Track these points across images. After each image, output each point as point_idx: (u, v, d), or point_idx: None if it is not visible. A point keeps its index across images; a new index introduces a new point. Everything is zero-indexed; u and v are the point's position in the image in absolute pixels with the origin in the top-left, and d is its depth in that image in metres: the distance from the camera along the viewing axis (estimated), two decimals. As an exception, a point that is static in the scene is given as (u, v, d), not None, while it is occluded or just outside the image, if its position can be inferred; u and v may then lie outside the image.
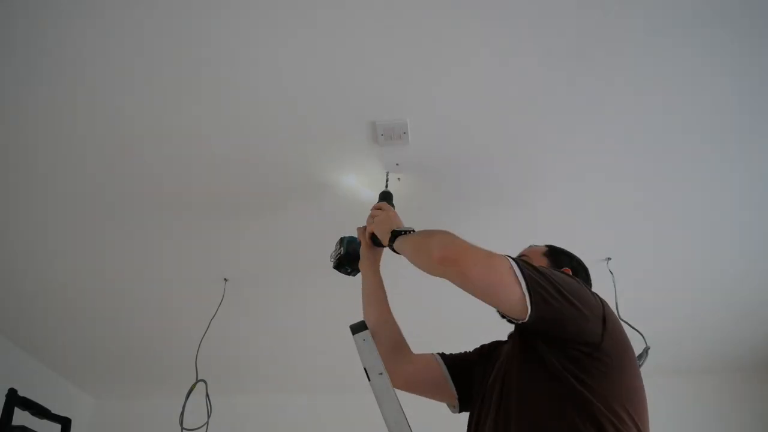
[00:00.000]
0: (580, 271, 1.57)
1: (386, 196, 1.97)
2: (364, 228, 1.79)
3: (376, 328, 1.60)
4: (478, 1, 1.57)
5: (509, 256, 1.26)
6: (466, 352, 1.63)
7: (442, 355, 1.61)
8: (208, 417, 2.50)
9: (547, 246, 1.63)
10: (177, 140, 2.01)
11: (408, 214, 2.34)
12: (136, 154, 2.07)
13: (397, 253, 1.56)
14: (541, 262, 1.52)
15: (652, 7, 1.58)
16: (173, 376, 3.49)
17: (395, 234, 1.56)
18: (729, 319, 3.01)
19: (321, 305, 2.93)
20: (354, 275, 1.88)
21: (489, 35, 1.66)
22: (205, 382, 2.52)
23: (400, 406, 1.40)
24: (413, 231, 1.55)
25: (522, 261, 1.26)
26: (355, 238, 1.88)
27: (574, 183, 2.19)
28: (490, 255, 1.24)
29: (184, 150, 2.05)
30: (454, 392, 1.54)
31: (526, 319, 1.19)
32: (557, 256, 1.58)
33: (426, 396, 1.60)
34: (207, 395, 2.50)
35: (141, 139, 2.01)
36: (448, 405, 1.59)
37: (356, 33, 1.66)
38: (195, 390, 2.47)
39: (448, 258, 1.24)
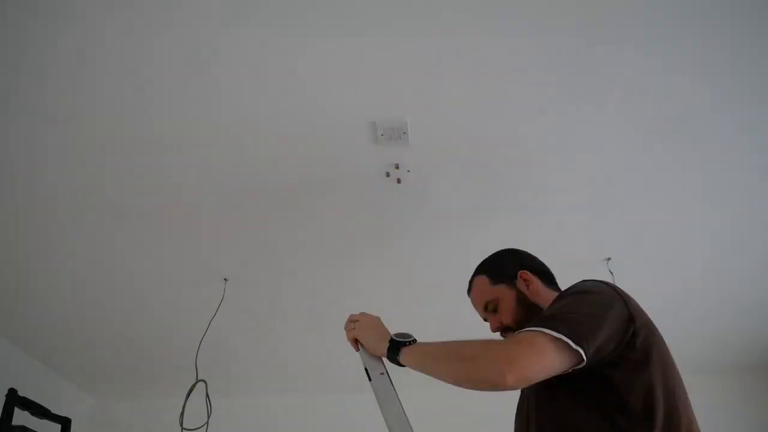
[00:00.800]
0: (523, 261, 1.52)
1: None
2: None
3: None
4: (478, 2, 1.57)
5: (537, 329, 1.16)
6: None
7: None
8: (208, 417, 2.50)
9: (482, 274, 1.52)
10: (177, 140, 2.01)
11: (408, 215, 2.35)
12: (137, 155, 2.07)
13: (400, 365, 1.38)
14: (499, 292, 1.46)
15: (651, 6, 1.58)
16: (173, 376, 3.49)
17: (398, 343, 1.36)
18: (729, 319, 3.01)
19: (321, 305, 2.93)
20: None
21: (489, 35, 1.66)
22: (205, 382, 2.52)
23: (402, 407, 1.40)
24: (414, 340, 1.37)
25: (549, 323, 1.17)
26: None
27: (574, 183, 2.19)
28: (526, 343, 1.15)
29: (184, 150, 2.05)
30: None
31: (585, 361, 1.14)
32: (501, 272, 1.50)
33: None
34: (207, 395, 2.50)
35: (141, 140, 2.01)
36: None
37: (356, 33, 1.66)
38: (195, 390, 2.47)
39: (503, 373, 1.12)
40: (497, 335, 1.49)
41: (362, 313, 1.54)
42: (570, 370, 1.16)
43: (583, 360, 1.12)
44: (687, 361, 3.39)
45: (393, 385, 1.45)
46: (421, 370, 1.31)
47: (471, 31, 1.65)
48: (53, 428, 2.91)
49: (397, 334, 1.39)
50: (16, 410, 2.56)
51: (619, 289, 1.33)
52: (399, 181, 2.16)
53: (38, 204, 2.29)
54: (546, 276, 1.51)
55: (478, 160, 2.09)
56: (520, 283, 1.46)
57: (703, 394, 3.44)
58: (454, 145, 2.03)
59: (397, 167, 2.10)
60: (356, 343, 1.48)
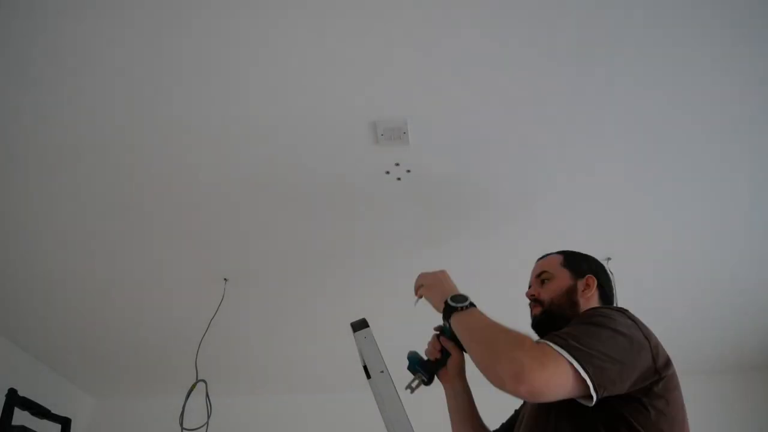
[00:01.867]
0: (601, 274, 1.56)
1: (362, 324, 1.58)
2: (436, 337, 1.56)
3: None
4: (478, 2, 1.57)
5: (560, 347, 1.15)
6: (510, 418, 1.62)
7: None
8: (208, 417, 2.51)
9: (562, 254, 1.58)
10: (177, 140, 2.02)
11: (408, 215, 2.35)
12: (136, 155, 2.07)
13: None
14: (563, 275, 1.51)
15: (652, 6, 1.59)
16: (173, 376, 3.49)
17: (452, 307, 1.37)
18: (729, 320, 3.01)
19: (321, 305, 2.93)
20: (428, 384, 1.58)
21: (489, 35, 1.67)
22: (205, 382, 2.52)
23: (402, 405, 1.40)
24: (471, 304, 1.36)
25: (573, 349, 1.15)
26: (416, 356, 1.58)
27: (574, 182, 2.19)
28: (552, 365, 1.13)
29: (183, 150, 2.06)
30: None
31: (593, 401, 1.15)
32: (578, 264, 1.55)
33: None
34: (207, 395, 2.50)
35: (141, 139, 2.01)
36: None
37: (356, 33, 1.66)
38: (195, 390, 2.48)
39: (521, 388, 1.13)
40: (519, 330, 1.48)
41: (427, 275, 1.53)
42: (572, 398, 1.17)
43: (591, 400, 1.14)
44: (687, 361, 3.40)
45: (393, 383, 1.45)
46: (461, 342, 1.35)
47: (472, 32, 1.65)
48: (53, 428, 2.92)
49: (454, 297, 1.39)
50: (16, 410, 2.57)
51: (646, 329, 1.30)
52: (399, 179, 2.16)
53: (38, 204, 2.29)
54: (606, 298, 1.54)
55: (478, 160, 2.09)
56: (581, 282, 1.50)
57: (703, 393, 3.46)
58: (453, 145, 2.03)
59: (397, 165, 2.10)
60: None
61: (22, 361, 3.30)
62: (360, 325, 1.56)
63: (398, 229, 2.42)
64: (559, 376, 1.13)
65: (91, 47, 1.70)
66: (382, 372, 1.44)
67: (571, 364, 1.13)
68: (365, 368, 1.47)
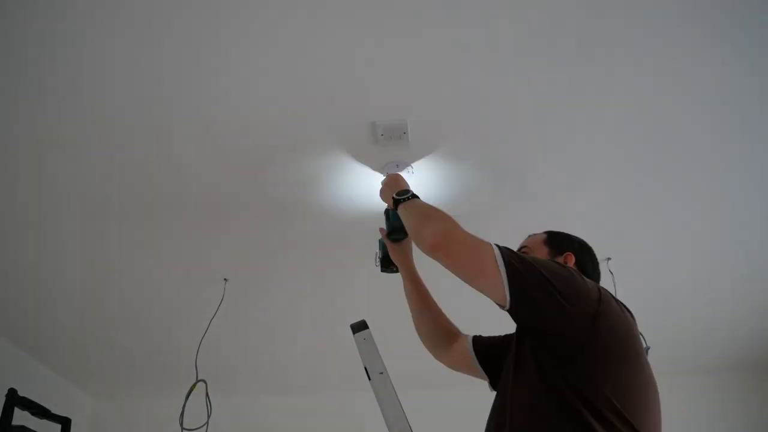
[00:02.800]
0: (583, 253, 1.55)
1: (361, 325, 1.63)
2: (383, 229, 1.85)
3: (416, 322, 1.78)
4: (478, 3, 1.57)
5: (496, 245, 1.29)
6: (499, 336, 1.64)
7: (477, 340, 1.66)
8: (208, 417, 2.51)
9: (546, 233, 1.62)
10: (176, 140, 2.01)
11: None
12: (136, 154, 2.07)
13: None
14: (542, 251, 1.53)
15: (653, 6, 1.58)
16: (173, 376, 3.49)
17: (397, 200, 1.59)
18: (729, 319, 3.01)
19: (321, 305, 2.93)
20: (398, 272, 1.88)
21: (488, 34, 1.66)
22: (205, 382, 2.52)
23: (401, 406, 1.40)
24: (416, 198, 1.58)
25: (507, 250, 1.28)
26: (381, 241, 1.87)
27: (574, 182, 2.19)
28: (476, 244, 1.30)
29: (183, 150, 2.05)
30: (485, 375, 1.60)
31: (507, 306, 1.23)
32: (558, 242, 1.56)
33: (469, 375, 1.67)
34: (207, 395, 2.50)
35: (140, 139, 2.01)
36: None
37: (356, 33, 1.66)
38: (195, 390, 2.48)
39: (438, 245, 1.31)
40: None
41: (389, 175, 1.80)
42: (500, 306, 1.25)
43: (505, 304, 1.22)
44: (687, 360, 3.40)
45: (392, 384, 1.45)
46: (405, 227, 1.54)
47: (471, 31, 1.65)
48: (53, 428, 2.91)
49: (399, 192, 1.60)
50: (16, 410, 2.56)
51: (608, 297, 1.32)
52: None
53: (38, 204, 2.28)
54: (586, 275, 1.49)
55: (478, 159, 2.09)
56: (559, 258, 1.52)
57: (703, 393, 3.46)
58: (453, 145, 2.03)
59: (397, 166, 2.10)
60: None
61: (22, 361, 3.29)
62: (359, 327, 1.56)
63: (398, 229, 2.42)
64: (480, 257, 1.26)
65: (93, 47, 1.69)
66: (381, 373, 1.44)
67: (496, 255, 1.24)
68: (366, 369, 1.47)
